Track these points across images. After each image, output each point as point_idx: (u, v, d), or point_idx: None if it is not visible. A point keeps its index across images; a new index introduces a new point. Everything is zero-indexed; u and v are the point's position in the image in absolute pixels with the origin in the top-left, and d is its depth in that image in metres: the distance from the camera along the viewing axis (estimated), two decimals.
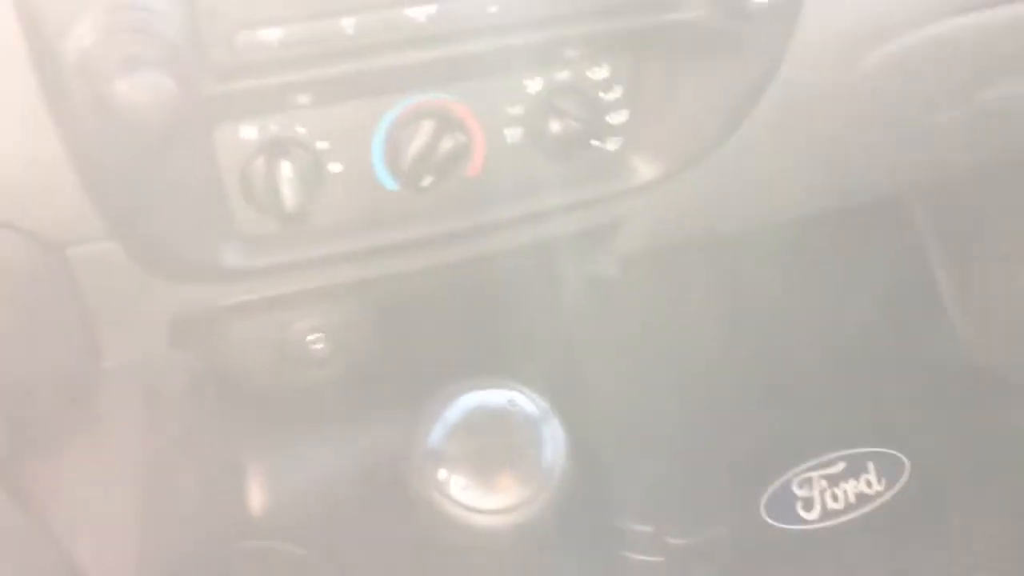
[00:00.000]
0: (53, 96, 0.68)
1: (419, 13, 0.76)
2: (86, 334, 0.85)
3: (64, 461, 0.98)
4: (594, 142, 0.88)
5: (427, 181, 0.84)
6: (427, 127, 0.83)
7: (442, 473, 0.84)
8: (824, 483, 1.32)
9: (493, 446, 0.86)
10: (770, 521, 1.30)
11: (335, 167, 0.84)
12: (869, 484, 1.32)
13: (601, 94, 0.88)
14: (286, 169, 0.80)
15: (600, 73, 0.87)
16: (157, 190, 0.78)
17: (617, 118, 0.90)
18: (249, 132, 0.80)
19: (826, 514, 1.30)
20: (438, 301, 1.05)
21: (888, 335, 1.37)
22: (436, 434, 0.87)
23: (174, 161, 0.77)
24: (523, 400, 0.87)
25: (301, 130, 0.81)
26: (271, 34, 0.73)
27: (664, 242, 1.03)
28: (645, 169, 0.92)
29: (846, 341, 1.36)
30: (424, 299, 1.03)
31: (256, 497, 1.10)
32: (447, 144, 0.83)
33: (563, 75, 0.86)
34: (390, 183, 0.86)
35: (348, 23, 0.75)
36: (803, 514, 1.31)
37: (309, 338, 1.01)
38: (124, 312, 0.86)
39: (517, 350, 1.07)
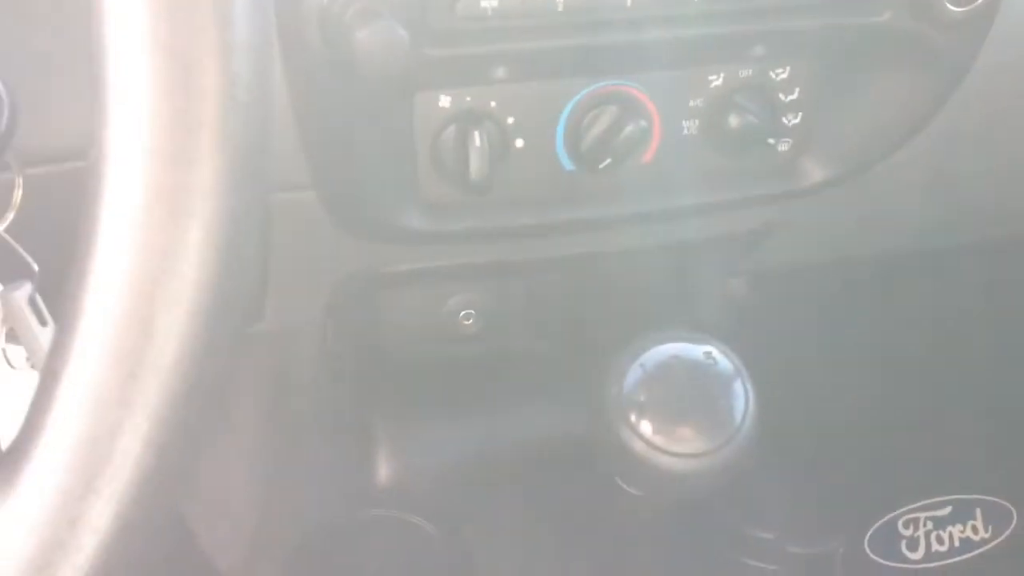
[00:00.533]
0: (289, 45, 0.70)
1: None
2: (257, 292, 0.87)
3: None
4: (770, 140, 0.89)
5: (604, 163, 0.86)
6: (611, 112, 0.85)
7: (633, 416, 0.86)
8: (930, 524, 1.31)
9: (687, 395, 0.88)
10: (872, 556, 1.29)
11: (519, 142, 0.86)
12: (975, 531, 1.32)
13: (781, 95, 0.89)
14: (476, 140, 0.82)
15: (781, 74, 0.89)
16: (360, 148, 0.80)
17: (792, 119, 0.90)
18: (446, 101, 0.82)
19: (930, 556, 1.30)
20: (588, 289, 1.06)
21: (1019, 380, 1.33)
22: (631, 380, 0.89)
23: (379, 121, 0.79)
24: (719, 355, 0.89)
25: (493, 104, 0.83)
26: (489, 3, 0.76)
27: (814, 258, 1.04)
28: (815, 172, 0.93)
29: (976, 379, 1.34)
30: (576, 287, 1.05)
31: (386, 468, 1.12)
32: (628, 129, 0.85)
33: (746, 72, 0.87)
34: (568, 163, 0.88)
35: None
36: (907, 553, 1.30)
37: (461, 314, 1.06)
38: (298, 272, 0.89)
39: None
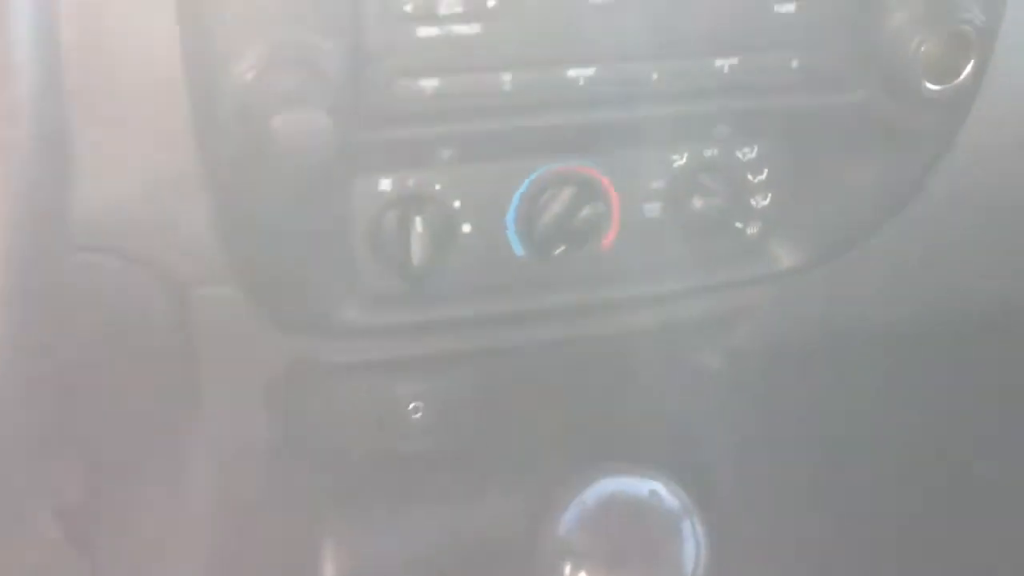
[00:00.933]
0: (206, 131, 0.66)
1: (578, 74, 0.73)
2: (188, 382, 0.84)
3: (138, 510, 0.98)
4: (737, 224, 0.86)
5: (559, 250, 0.82)
6: (567, 194, 0.81)
7: (569, 568, 0.79)
8: None
9: (629, 540, 0.80)
10: None
11: (466, 227, 0.81)
12: None
13: (748, 176, 0.85)
14: (417, 225, 0.78)
15: (748, 154, 0.85)
16: (289, 236, 0.76)
17: (760, 201, 0.87)
18: (386, 184, 0.78)
19: None
20: (548, 379, 1.00)
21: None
22: (567, 522, 0.81)
23: (310, 208, 0.75)
24: (666, 493, 0.81)
25: (438, 186, 0.79)
26: (429, 83, 0.71)
27: (789, 339, 0.98)
28: (785, 256, 0.89)
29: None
30: (535, 376, 0.99)
31: (332, 565, 1.04)
32: (585, 213, 0.81)
33: (711, 152, 0.84)
34: (520, 249, 0.83)
35: (506, 79, 0.73)
36: None
37: (410, 406, 0.98)
38: (230, 363, 0.85)
39: (623, 435, 1.02)
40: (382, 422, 0.97)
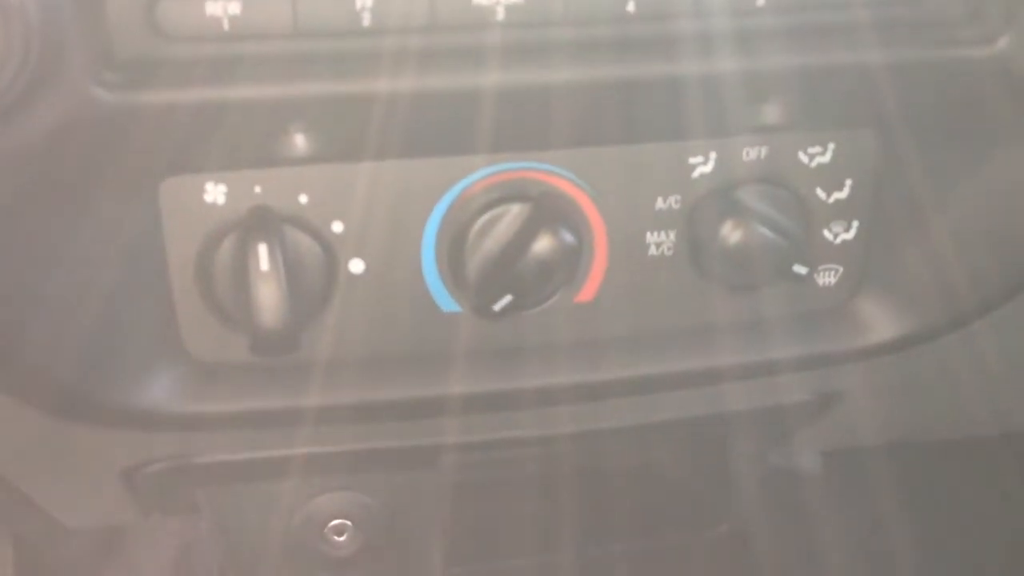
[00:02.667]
0: None
1: None
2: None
3: None
4: (797, 268, 0.67)
5: (502, 303, 0.64)
6: (514, 215, 0.63)
7: None
8: None
9: None
10: None
11: (355, 266, 0.64)
12: None
13: (819, 191, 0.67)
14: (265, 260, 0.59)
15: (819, 155, 0.66)
16: (45, 288, 0.59)
17: (840, 232, 0.69)
18: (217, 192, 0.60)
19: None
20: (517, 489, 0.86)
21: None
22: None
23: (77, 238, 0.58)
24: None
25: (302, 198, 0.61)
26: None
27: (878, 437, 0.84)
28: (880, 323, 0.71)
29: None
30: (498, 485, 0.85)
31: None
32: (543, 246, 0.62)
33: (756, 151, 0.65)
34: (446, 301, 0.66)
35: None
36: None
37: (330, 525, 0.85)
38: (64, 469, 0.74)
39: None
40: (293, 548, 0.85)
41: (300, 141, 0.57)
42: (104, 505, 0.80)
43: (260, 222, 0.60)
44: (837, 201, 0.68)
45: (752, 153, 0.66)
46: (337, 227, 0.62)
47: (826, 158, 0.67)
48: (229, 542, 0.88)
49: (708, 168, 0.66)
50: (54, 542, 1.01)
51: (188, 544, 1.03)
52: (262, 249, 0.59)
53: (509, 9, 0.54)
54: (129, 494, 0.77)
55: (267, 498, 0.83)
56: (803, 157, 0.67)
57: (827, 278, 0.71)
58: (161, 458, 0.73)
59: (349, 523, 0.85)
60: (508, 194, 0.64)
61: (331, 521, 0.85)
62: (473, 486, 0.87)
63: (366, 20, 0.54)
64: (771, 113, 0.63)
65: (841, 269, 0.70)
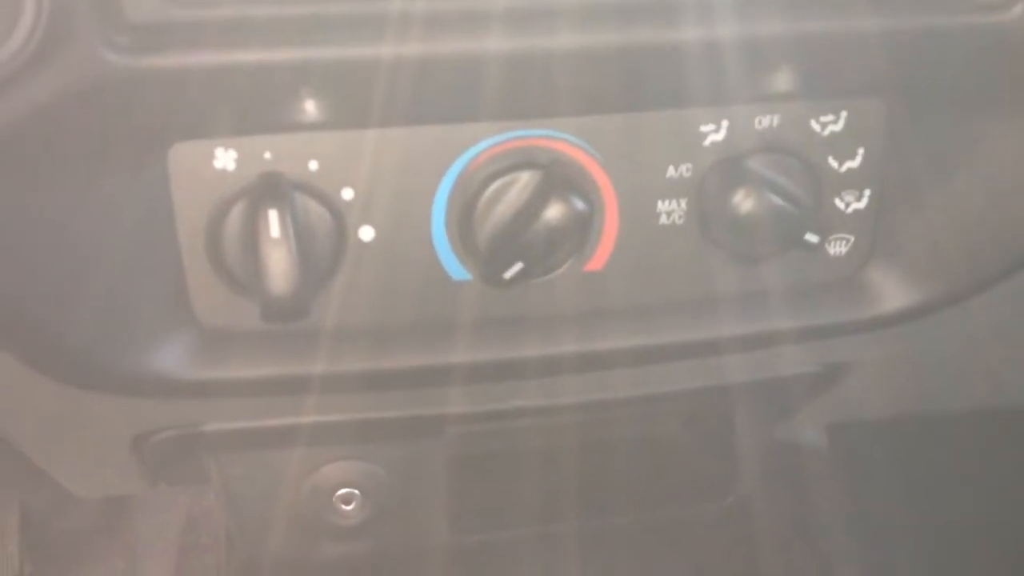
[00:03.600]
0: None
1: None
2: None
3: None
4: (809, 237, 0.66)
5: (513, 271, 0.63)
6: (525, 183, 0.62)
7: None
8: None
9: None
10: None
11: (365, 233, 0.63)
12: None
13: (831, 160, 0.66)
14: (275, 226, 0.58)
15: (832, 123, 0.66)
16: (53, 254, 0.58)
17: (851, 202, 0.68)
18: (226, 158, 0.59)
19: None
20: (521, 460, 0.86)
21: None
22: None
23: (88, 204, 0.57)
24: None
25: (312, 165, 0.60)
26: None
27: (889, 410, 0.85)
28: (891, 293, 0.70)
29: None
30: (503, 457, 0.85)
31: None
32: (554, 213, 0.61)
33: (768, 120, 0.64)
34: (456, 268, 0.65)
35: None
36: None
37: (338, 494, 0.85)
38: (73, 437, 0.74)
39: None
40: (301, 518, 0.84)
41: (310, 107, 0.57)
42: (112, 473, 0.80)
43: (270, 188, 0.60)
44: (849, 170, 0.67)
45: (764, 121, 0.65)
46: (347, 194, 0.62)
47: (838, 127, 0.66)
48: (236, 511, 0.87)
49: (720, 136, 0.65)
50: (61, 511, 1.01)
51: (194, 516, 1.03)
52: (272, 215, 0.58)
53: None
54: (138, 462, 0.77)
55: (275, 467, 0.83)
56: (815, 126, 0.66)
57: (838, 247, 0.70)
58: (170, 425, 0.73)
59: (357, 492, 0.85)
60: (519, 161, 0.63)
61: (339, 490, 0.85)
62: (480, 456, 0.86)
63: None
64: (783, 81, 0.62)
65: (852, 239, 0.70)
